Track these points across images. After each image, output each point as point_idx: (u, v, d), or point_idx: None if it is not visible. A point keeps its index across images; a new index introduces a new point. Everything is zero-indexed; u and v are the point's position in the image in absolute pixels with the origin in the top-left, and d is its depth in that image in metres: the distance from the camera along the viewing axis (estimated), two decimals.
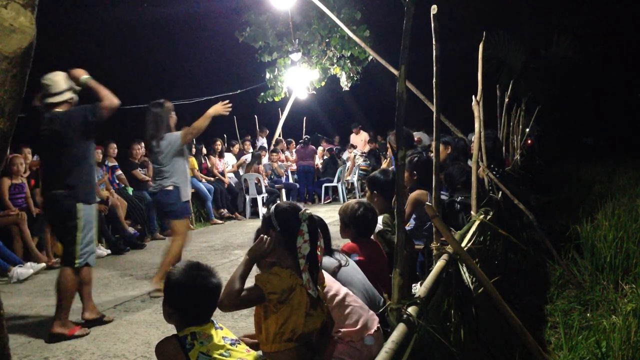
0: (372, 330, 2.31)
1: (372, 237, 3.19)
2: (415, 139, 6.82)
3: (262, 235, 2.10)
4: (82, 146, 3.81)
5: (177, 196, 4.77)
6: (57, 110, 3.77)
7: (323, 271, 2.24)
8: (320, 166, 12.85)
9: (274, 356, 2.02)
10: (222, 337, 1.89)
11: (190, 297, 1.91)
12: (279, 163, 11.77)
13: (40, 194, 4.32)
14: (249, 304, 2.02)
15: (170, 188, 4.76)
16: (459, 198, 4.21)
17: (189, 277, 1.93)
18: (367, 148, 13.85)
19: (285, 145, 13.17)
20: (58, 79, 3.82)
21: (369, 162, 12.84)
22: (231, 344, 1.86)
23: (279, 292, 1.99)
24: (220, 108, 4.94)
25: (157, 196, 4.91)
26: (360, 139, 14.25)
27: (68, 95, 3.84)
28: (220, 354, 1.79)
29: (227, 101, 4.99)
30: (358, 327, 2.29)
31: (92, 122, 3.75)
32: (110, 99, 3.72)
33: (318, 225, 2.18)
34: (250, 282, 2.03)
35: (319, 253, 2.10)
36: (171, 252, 4.74)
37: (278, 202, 2.44)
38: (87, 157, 3.86)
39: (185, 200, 4.85)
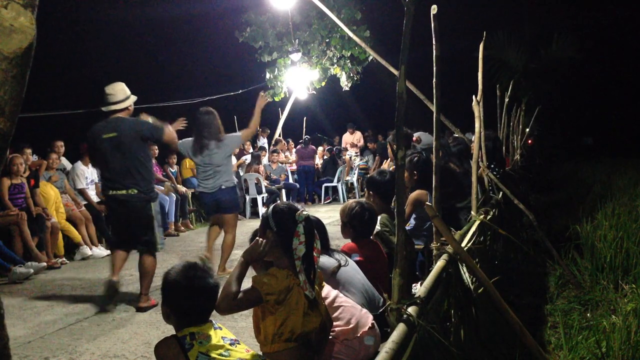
0: (367, 328, 2.31)
1: (371, 237, 3.19)
2: (414, 138, 6.85)
3: (257, 237, 2.10)
4: (142, 150, 4.35)
5: (235, 192, 5.37)
6: (117, 116, 4.31)
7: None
8: (320, 166, 12.86)
9: (273, 356, 2.02)
10: (222, 337, 1.89)
11: (188, 298, 1.90)
12: (279, 164, 11.77)
13: (102, 194, 4.70)
14: (246, 306, 2.01)
15: (230, 185, 5.33)
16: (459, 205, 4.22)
17: (185, 278, 1.93)
18: (360, 143, 14.03)
19: (285, 145, 13.17)
20: (119, 89, 4.35)
21: (366, 159, 12.89)
22: (230, 344, 1.86)
23: (276, 292, 1.98)
24: (262, 100, 5.41)
25: (214, 194, 5.31)
26: (354, 139, 14.32)
27: (128, 103, 4.37)
28: (220, 354, 1.79)
29: (263, 92, 5.58)
30: (351, 325, 2.31)
31: (149, 138, 4.40)
32: (172, 138, 4.58)
33: (315, 226, 2.19)
34: (247, 283, 2.03)
35: (315, 254, 2.10)
36: (228, 244, 5.38)
37: (277, 202, 2.45)
38: (147, 160, 4.41)
39: (237, 195, 5.51)
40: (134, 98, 4.43)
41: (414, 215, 4.10)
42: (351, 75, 12.26)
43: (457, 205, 4.23)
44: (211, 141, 5.24)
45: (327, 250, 2.84)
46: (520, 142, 10.86)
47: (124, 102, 4.33)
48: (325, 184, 12.18)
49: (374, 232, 3.25)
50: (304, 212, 2.12)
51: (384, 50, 5.58)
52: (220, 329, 1.94)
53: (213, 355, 1.77)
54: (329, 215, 8.31)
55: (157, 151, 8.98)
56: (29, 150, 6.87)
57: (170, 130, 4.51)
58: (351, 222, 3.07)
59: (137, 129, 4.30)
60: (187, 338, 1.81)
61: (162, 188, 8.62)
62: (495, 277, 2.88)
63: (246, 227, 8.73)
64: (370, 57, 10.97)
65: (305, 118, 15.07)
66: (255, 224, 2.67)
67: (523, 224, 5.87)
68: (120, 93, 4.33)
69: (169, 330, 3.75)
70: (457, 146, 5.34)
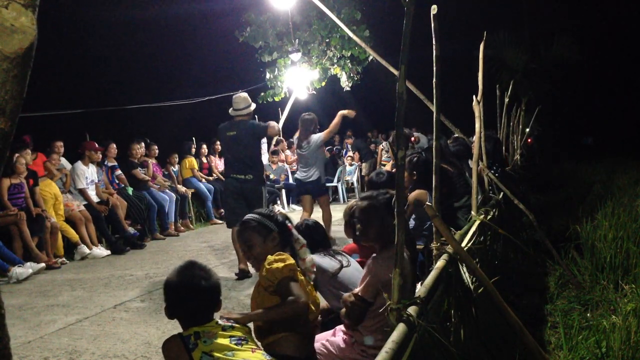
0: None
1: None
2: (412, 138, 6.88)
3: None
4: (257, 145, 5.66)
5: (320, 180, 6.63)
6: (240, 119, 5.60)
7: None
8: None
9: (273, 346, 2.04)
10: (230, 336, 1.85)
11: (189, 297, 1.89)
12: (279, 164, 11.76)
13: (226, 177, 5.82)
14: (298, 292, 2.04)
15: (317, 176, 6.58)
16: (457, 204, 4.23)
17: (184, 277, 1.92)
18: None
19: (285, 145, 13.17)
20: (242, 98, 5.64)
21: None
22: (237, 343, 1.83)
23: (294, 266, 2.11)
24: (349, 112, 6.76)
25: (307, 183, 6.62)
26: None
27: (248, 110, 5.62)
28: (224, 354, 1.78)
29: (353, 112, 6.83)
30: None
31: (259, 135, 5.66)
32: (274, 131, 5.71)
33: (313, 228, 2.28)
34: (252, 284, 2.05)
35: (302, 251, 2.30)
36: (326, 219, 6.49)
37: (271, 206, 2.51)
38: (260, 154, 5.72)
39: (324, 181, 6.88)
40: (253, 106, 5.68)
41: (413, 216, 4.10)
42: (351, 75, 12.25)
43: (455, 205, 4.24)
44: (304, 140, 6.66)
45: (326, 249, 2.85)
46: (520, 142, 10.85)
47: (246, 110, 5.62)
48: (326, 184, 12.18)
49: None
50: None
51: (384, 50, 5.58)
52: (232, 327, 1.91)
53: (217, 355, 1.75)
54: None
55: (157, 151, 8.98)
56: (27, 151, 6.87)
57: (272, 126, 5.65)
58: (352, 221, 3.07)
59: (252, 129, 5.58)
60: (192, 338, 1.80)
61: (158, 186, 8.61)
62: (495, 277, 2.88)
63: None
64: (370, 57, 10.96)
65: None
66: None
67: (523, 224, 5.87)
68: (243, 102, 5.60)
69: (169, 330, 3.76)
70: (456, 146, 5.34)
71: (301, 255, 2.28)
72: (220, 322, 1.92)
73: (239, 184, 5.51)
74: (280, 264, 2.06)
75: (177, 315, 1.92)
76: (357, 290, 2.31)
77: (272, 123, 5.74)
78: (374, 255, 2.37)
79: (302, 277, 2.18)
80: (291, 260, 2.12)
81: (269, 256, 2.13)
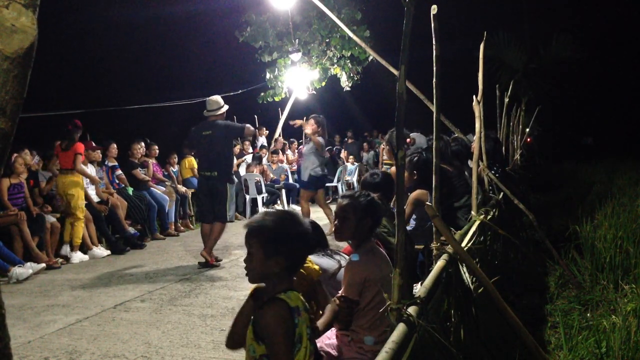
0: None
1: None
2: (407, 140, 6.89)
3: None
4: (228, 144, 6.10)
5: (313, 178, 7.43)
6: (214, 119, 6.02)
7: None
8: None
9: None
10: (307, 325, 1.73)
11: (300, 241, 1.76)
12: (279, 164, 11.76)
13: (198, 175, 6.31)
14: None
15: (311, 174, 7.44)
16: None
17: (292, 223, 1.78)
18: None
19: (286, 145, 13.18)
20: (214, 100, 6.08)
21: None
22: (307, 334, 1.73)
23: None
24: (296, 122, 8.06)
25: (316, 178, 7.47)
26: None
27: (221, 111, 6.07)
28: (306, 347, 1.67)
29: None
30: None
31: (235, 134, 6.35)
32: (250, 131, 6.23)
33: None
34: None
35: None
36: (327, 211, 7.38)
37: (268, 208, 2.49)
38: (231, 152, 6.24)
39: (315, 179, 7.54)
40: (225, 107, 6.10)
41: (414, 216, 4.10)
42: (351, 75, 12.26)
43: (455, 205, 4.24)
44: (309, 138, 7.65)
45: (325, 250, 2.85)
46: (520, 142, 10.85)
47: (219, 110, 6.05)
48: (326, 184, 12.18)
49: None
50: None
51: (384, 50, 5.57)
52: (307, 311, 1.75)
53: (304, 337, 1.66)
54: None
55: (157, 151, 8.98)
56: (26, 152, 6.88)
57: (248, 127, 6.14)
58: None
59: (226, 129, 5.99)
60: (296, 313, 1.66)
61: (163, 188, 8.63)
62: (495, 277, 2.88)
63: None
64: (371, 57, 10.97)
65: (305, 118, 15.06)
66: None
67: (523, 224, 5.87)
68: (215, 104, 6.05)
69: (169, 330, 3.76)
70: (456, 146, 5.33)
71: None
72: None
73: (205, 180, 5.93)
74: (316, 266, 2.14)
75: (288, 261, 1.73)
76: (340, 292, 2.33)
77: (248, 125, 6.20)
78: (350, 257, 2.40)
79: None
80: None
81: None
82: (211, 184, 5.89)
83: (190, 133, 6.16)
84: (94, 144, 7.54)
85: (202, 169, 6.01)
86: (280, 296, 1.66)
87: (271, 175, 11.21)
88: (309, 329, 1.71)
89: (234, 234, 7.42)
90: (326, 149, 13.68)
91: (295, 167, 12.42)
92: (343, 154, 13.86)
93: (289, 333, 1.61)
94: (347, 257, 2.84)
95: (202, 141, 5.95)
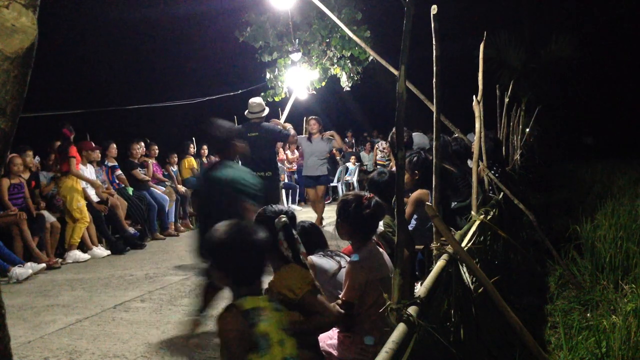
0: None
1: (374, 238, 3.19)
2: (405, 140, 6.88)
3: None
4: (274, 146, 6.53)
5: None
6: (258, 121, 6.34)
7: None
8: None
9: None
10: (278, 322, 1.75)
11: (241, 255, 1.76)
12: (279, 164, 11.76)
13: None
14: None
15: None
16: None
17: (234, 235, 1.79)
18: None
19: (287, 145, 13.18)
20: (257, 103, 6.40)
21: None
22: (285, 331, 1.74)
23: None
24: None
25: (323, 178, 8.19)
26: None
27: (264, 113, 6.43)
28: (280, 342, 1.68)
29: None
30: None
31: (280, 140, 6.96)
32: (293, 140, 6.86)
33: (307, 230, 2.26)
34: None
35: (302, 258, 2.17)
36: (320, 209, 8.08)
37: (264, 207, 2.46)
38: (276, 154, 6.62)
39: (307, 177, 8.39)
40: (267, 110, 6.49)
41: (414, 216, 4.09)
42: (351, 75, 12.25)
43: (455, 205, 4.24)
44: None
45: (325, 250, 2.85)
46: (520, 142, 10.85)
47: (262, 112, 6.40)
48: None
49: (377, 232, 3.25)
50: (283, 219, 2.19)
51: (384, 50, 5.57)
52: (280, 311, 1.78)
53: (274, 339, 1.67)
54: (329, 215, 8.31)
55: (157, 151, 8.98)
56: (29, 152, 6.87)
57: (293, 134, 6.72)
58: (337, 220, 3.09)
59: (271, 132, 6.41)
60: (251, 313, 1.68)
61: (163, 188, 8.62)
62: (495, 277, 2.88)
63: None
64: (371, 57, 10.96)
65: (305, 118, 15.05)
66: None
67: (523, 224, 5.86)
68: (258, 107, 6.35)
69: (169, 330, 3.76)
70: (456, 146, 5.32)
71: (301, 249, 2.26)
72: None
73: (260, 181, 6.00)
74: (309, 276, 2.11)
75: (228, 275, 1.78)
76: (341, 295, 2.34)
77: (294, 132, 6.65)
78: (350, 258, 2.42)
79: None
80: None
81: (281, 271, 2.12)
82: (267, 184, 5.76)
83: (237, 132, 6.01)
84: (93, 144, 7.54)
85: (255, 170, 5.84)
86: (233, 302, 1.73)
87: None
88: (286, 325, 1.76)
89: None
90: (334, 150, 13.74)
91: (295, 167, 12.42)
92: (352, 159, 13.72)
93: (240, 336, 1.66)
94: (347, 257, 2.84)
95: (249, 142, 5.87)
